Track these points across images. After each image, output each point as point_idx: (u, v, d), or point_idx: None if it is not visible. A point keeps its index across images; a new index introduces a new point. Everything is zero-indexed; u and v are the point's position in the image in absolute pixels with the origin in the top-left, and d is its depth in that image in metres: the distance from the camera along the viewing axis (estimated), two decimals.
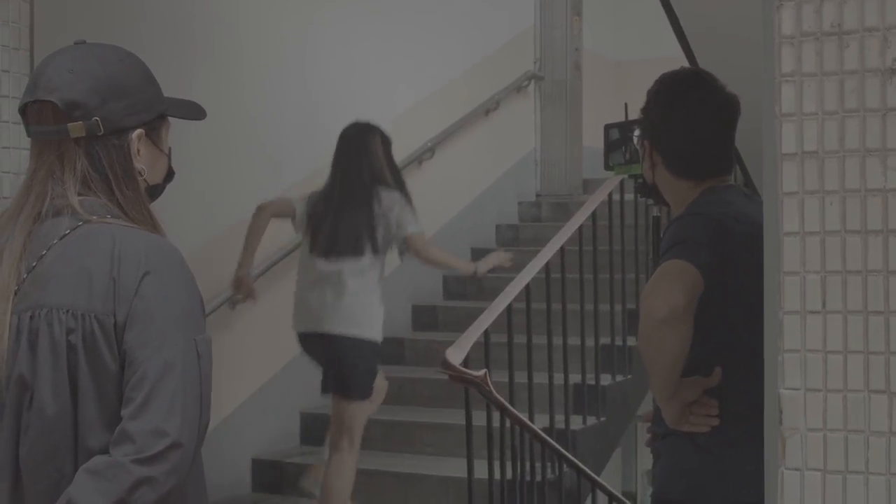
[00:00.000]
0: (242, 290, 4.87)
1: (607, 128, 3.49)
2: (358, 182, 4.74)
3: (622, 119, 3.72)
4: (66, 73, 1.82)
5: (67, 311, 1.73)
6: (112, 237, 1.77)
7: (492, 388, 4.18)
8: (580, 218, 5.40)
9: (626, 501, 5.19)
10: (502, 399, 4.33)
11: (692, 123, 2.60)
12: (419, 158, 6.95)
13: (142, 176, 1.88)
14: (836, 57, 1.77)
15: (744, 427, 2.38)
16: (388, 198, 4.73)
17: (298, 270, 4.90)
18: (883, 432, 1.74)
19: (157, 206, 1.93)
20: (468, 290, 7.16)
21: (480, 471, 4.41)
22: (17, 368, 1.75)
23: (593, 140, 6.10)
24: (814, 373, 1.77)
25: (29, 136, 1.88)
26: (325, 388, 4.81)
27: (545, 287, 5.05)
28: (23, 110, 1.87)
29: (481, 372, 4.17)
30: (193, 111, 2.03)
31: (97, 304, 1.72)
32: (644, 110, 2.71)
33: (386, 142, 4.86)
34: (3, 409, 1.77)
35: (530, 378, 4.92)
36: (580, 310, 5.43)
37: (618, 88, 9.26)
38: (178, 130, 2.04)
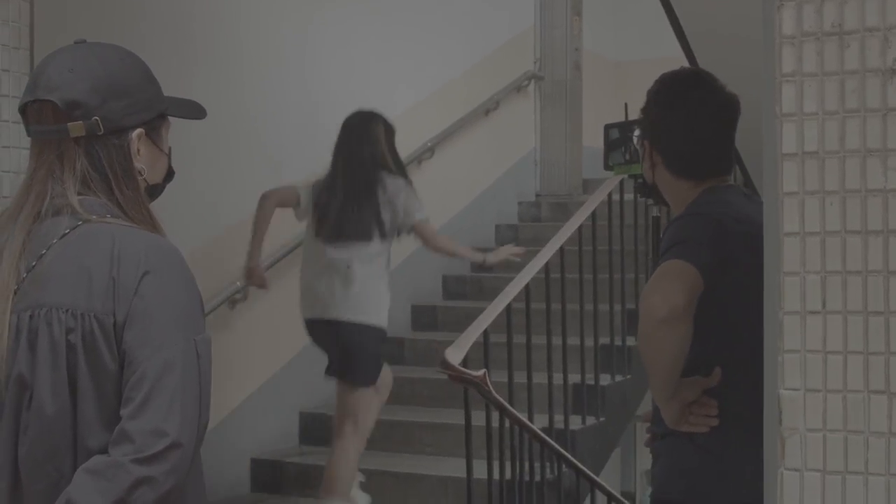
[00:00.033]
0: (254, 280, 4.87)
1: (607, 128, 3.49)
2: (360, 169, 4.73)
3: (622, 119, 3.72)
4: (67, 73, 1.82)
5: (67, 311, 1.73)
6: (112, 237, 1.77)
7: (491, 388, 4.18)
8: (580, 218, 5.40)
9: (625, 501, 5.19)
10: (501, 399, 4.33)
11: (692, 123, 2.60)
12: (419, 158, 6.95)
13: (142, 175, 1.88)
14: (836, 57, 1.77)
15: (743, 427, 2.38)
16: (392, 184, 4.73)
17: (304, 257, 4.90)
18: (882, 433, 1.74)
19: (156, 206, 1.93)
20: (468, 290, 7.16)
21: (479, 471, 4.41)
22: (17, 368, 1.75)
23: (593, 140, 6.11)
24: (813, 373, 1.77)
25: (29, 135, 1.88)
26: (329, 371, 4.81)
27: (545, 287, 5.05)
28: (23, 110, 1.87)
29: (480, 372, 4.17)
30: (193, 110, 2.02)
31: (97, 303, 1.72)
32: (644, 110, 2.71)
33: (389, 130, 4.85)
34: (3, 409, 1.77)
35: (529, 378, 4.92)
36: (579, 310, 5.43)
37: (618, 88, 9.26)
38: (178, 130, 2.04)
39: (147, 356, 1.70)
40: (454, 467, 4.90)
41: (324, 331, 4.76)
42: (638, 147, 2.84)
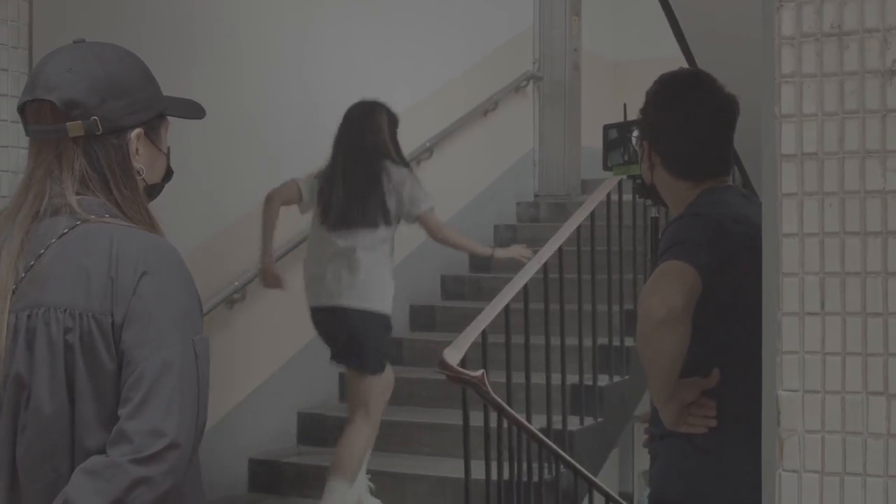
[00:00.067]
0: (269, 281, 4.88)
1: (606, 128, 3.50)
2: (363, 157, 4.73)
3: (621, 119, 3.72)
4: (65, 73, 1.82)
5: (65, 311, 1.73)
6: (110, 237, 1.76)
7: (489, 388, 4.18)
8: (578, 218, 5.40)
9: (623, 502, 5.19)
10: (500, 399, 4.33)
11: (691, 124, 2.60)
12: (418, 158, 6.94)
13: (140, 175, 1.88)
14: (835, 58, 1.77)
15: (742, 428, 2.38)
16: (397, 173, 4.73)
17: (310, 246, 4.91)
18: (881, 434, 1.74)
19: (156, 206, 1.92)
20: (466, 291, 7.16)
21: (478, 471, 4.41)
22: (15, 367, 1.74)
23: (592, 140, 6.11)
24: (812, 374, 1.77)
25: (27, 135, 1.87)
26: (334, 357, 4.84)
27: (543, 287, 5.05)
28: (21, 109, 1.87)
29: (479, 372, 4.17)
30: (193, 110, 2.02)
31: (95, 303, 1.72)
32: (643, 111, 2.71)
33: (392, 120, 4.85)
34: (1, 409, 1.76)
35: (528, 378, 4.92)
36: (578, 310, 5.42)
37: (617, 89, 9.26)
38: (177, 130, 2.04)
39: (145, 356, 1.70)
40: (452, 468, 4.90)
41: (329, 318, 4.76)
42: (637, 147, 2.84)
